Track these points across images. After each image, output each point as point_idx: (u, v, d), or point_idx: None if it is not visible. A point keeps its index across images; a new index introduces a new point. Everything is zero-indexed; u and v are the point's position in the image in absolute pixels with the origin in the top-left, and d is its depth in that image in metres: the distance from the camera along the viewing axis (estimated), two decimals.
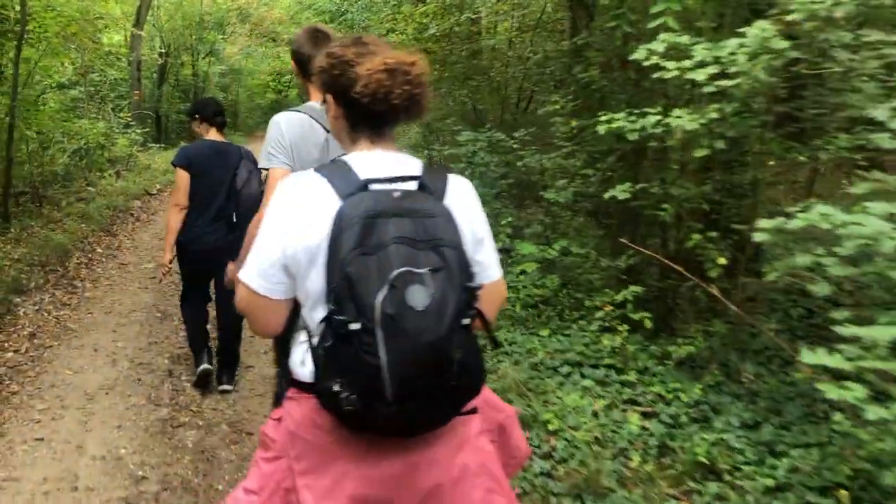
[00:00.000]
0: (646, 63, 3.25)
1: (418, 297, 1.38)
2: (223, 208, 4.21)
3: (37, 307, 6.22)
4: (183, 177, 4.21)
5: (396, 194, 1.50)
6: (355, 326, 1.38)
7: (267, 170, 2.63)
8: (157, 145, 18.53)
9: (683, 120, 3.14)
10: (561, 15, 8.66)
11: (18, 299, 6.33)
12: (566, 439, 3.46)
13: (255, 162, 4.25)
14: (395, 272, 1.39)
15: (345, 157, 1.64)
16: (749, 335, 4.09)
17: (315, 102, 2.64)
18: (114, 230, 9.98)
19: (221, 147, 4.31)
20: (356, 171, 1.56)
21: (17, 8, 9.11)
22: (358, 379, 1.39)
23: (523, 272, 4.80)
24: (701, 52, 3.03)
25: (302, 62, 2.70)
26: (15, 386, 4.61)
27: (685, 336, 4.07)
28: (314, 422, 1.55)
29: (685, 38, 3.15)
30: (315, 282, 1.51)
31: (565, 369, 4.18)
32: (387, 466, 1.51)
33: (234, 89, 30.79)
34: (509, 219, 5.42)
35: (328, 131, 2.52)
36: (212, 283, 4.56)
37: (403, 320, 1.37)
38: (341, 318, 1.39)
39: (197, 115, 4.43)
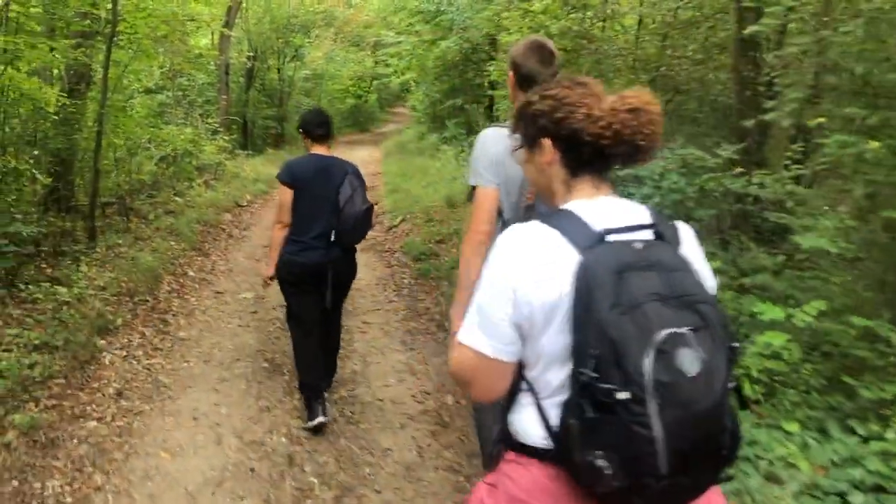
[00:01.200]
0: None
1: (689, 361, 1.29)
2: (325, 226, 4.02)
3: (124, 352, 5.24)
4: (286, 194, 4.07)
5: (638, 246, 1.41)
6: (623, 396, 1.27)
7: (474, 187, 2.58)
8: (245, 152, 17.81)
9: None
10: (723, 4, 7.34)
11: (104, 341, 5.37)
12: None
13: (360, 178, 4.18)
14: (662, 334, 1.29)
15: (569, 206, 1.52)
16: None
17: None
18: (205, 248, 9.06)
19: (325, 162, 4.13)
20: (587, 221, 1.45)
21: (109, 6, 8.32)
22: (627, 452, 1.29)
23: (768, 345, 3.51)
24: None
25: (525, 77, 2.61)
26: (98, 477, 3.57)
27: None
28: (549, 490, 1.44)
29: None
30: (553, 342, 1.42)
31: (858, 500, 2.90)
32: None
33: (316, 94, 30.16)
34: (718, 263, 4.17)
35: None
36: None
37: (677, 388, 1.28)
38: (606, 386, 1.28)
39: (301, 129, 4.28)
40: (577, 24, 8.69)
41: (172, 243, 8.76)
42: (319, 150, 4.18)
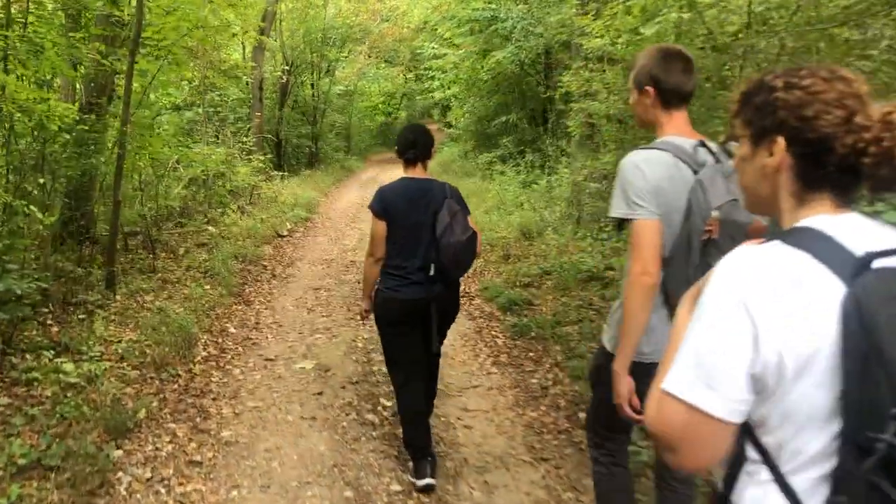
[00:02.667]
0: None
1: None
2: (425, 258, 3.59)
3: (149, 472, 3.70)
4: (378, 225, 3.63)
5: None
6: None
7: (625, 220, 2.24)
8: (280, 174, 16.39)
9: None
10: None
11: (120, 451, 3.84)
12: None
13: (461, 202, 3.71)
14: None
15: (811, 224, 1.22)
16: None
17: (674, 137, 2.31)
18: (246, 294, 7.56)
19: (421, 186, 3.65)
20: (842, 243, 1.17)
21: (133, 8, 6.92)
22: None
23: None
24: None
25: (672, 92, 2.34)
26: None
27: None
28: None
29: None
30: (809, 397, 1.12)
31: None
32: None
33: (347, 111, 28.92)
34: None
35: (696, 172, 2.23)
36: None
37: None
38: None
39: (396, 150, 3.81)
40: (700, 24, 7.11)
41: (207, 287, 7.27)
42: (414, 172, 3.71)
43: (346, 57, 25.22)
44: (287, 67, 18.99)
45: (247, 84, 17.61)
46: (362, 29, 26.00)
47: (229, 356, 5.59)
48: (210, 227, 10.41)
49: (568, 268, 7.59)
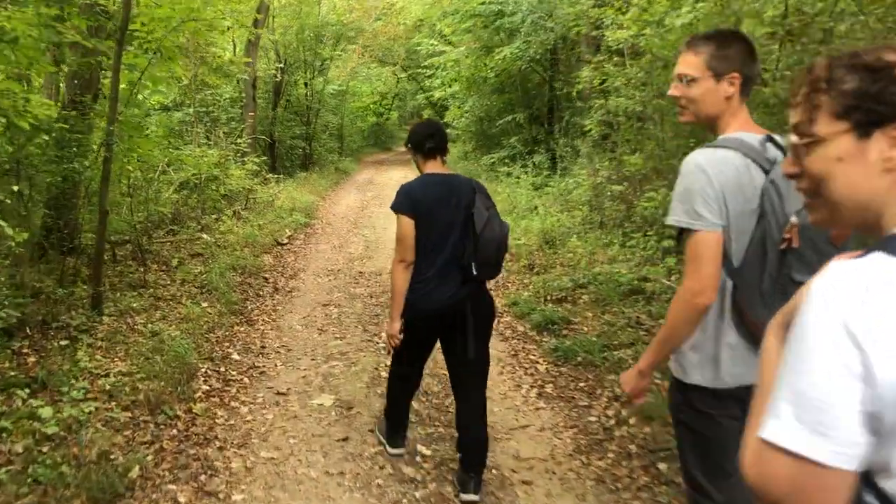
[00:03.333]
0: None
1: None
2: (457, 256, 3.32)
3: None
4: (408, 225, 3.32)
5: None
6: None
7: (684, 232, 2.00)
8: (275, 176, 15.61)
9: None
10: None
11: None
12: None
13: (488, 196, 3.44)
14: None
15: None
16: None
17: (742, 133, 2.06)
18: (248, 311, 6.80)
19: (447, 181, 3.40)
20: None
21: None
22: None
23: None
24: None
25: (748, 80, 2.11)
26: None
27: None
28: None
29: None
30: None
31: None
32: None
33: (340, 111, 28.19)
34: None
35: (766, 171, 1.99)
36: None
37: None
38: None
39: (409, 145, 3.54)
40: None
41: (205, 305, 6.52)
42: (434, 167, 3.48)
43: (339, 55, 24.43)
44: (281, 65, 18.18)
45: (238, 83, 16.85)
46: (356, 27, 25.25)
47: (234, 389, 4.84)
48: (204, 235, 9.66)
49: (603, 280, 6.89)
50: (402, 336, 3.44)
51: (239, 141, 13.85)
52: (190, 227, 9.96)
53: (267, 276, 8.32)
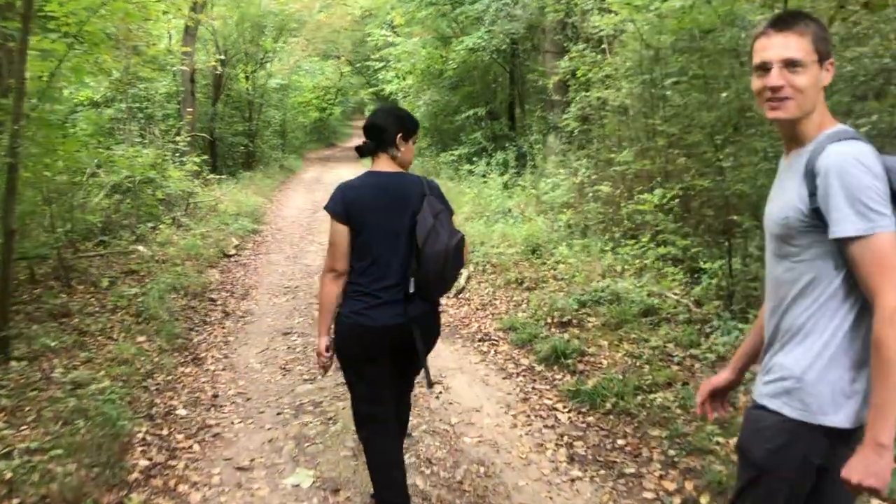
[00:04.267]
0: None
1: None
2: (401, 271, 2.82)
3: None
4: (338, 231, 2.82)
5: None
6: None
7: (853, 238, 1.69)
8: (217, 177, 14.34)
9: None
10: None
11: None
12: None
13: (443, 199, 2.93)
14: None
15: None
16: None
17: (843, 127, 1.86)
18: (195, 345, 5.70)
19: (391, 181, 2.86)
20: None
21: None
22: None
23: None
24: None
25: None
26: None
27: None
28: None
29: None
30: None
31: None
32: None
33: (282, 107, 26.87)
34: None
35: None
36: None
37: None
38: None
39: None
40: None
41: (142, 340, 5.40)
42: (379, 165, 2.91)
43: (282, 47, 23.13)
44: (221, 57, 16.86)
45: (175, 76, 15.52)
46: (298, 18, 23.98)
47: (182, 464, 3.75)
48: (140, 248, 8.47)
49: (609, 297, 5.97)
50: (329, 354, 2.93)
51: (177, 139, 12.54)
52: (123, 238, 8.76)
53: (214, 296, 7.19)
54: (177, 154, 12.16)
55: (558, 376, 4.88)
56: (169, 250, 8.32)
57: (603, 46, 9.18)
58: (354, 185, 2.86)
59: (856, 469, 1.64)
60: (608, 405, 4.31)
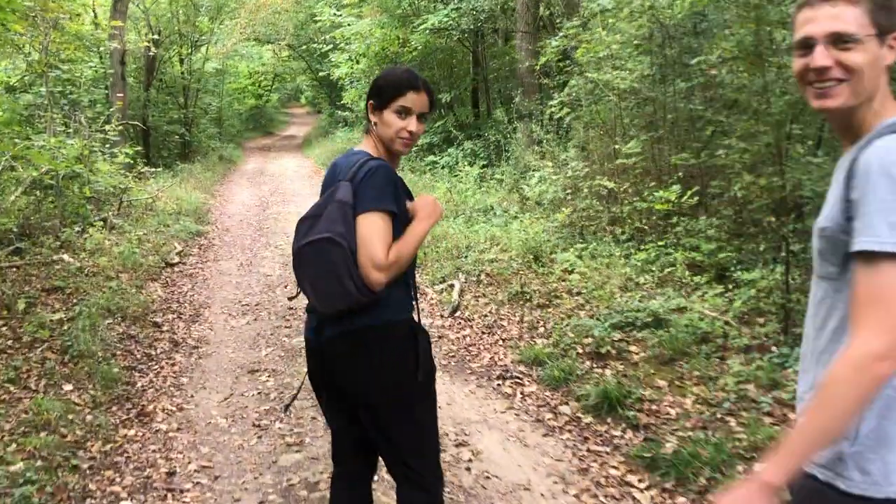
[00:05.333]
0: None
1: None
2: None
3: None
4: None
5: None
6: None
7: (870, 254, 1.38)
8: (152, 170, 12.89)
9: None
10: None
11: None
12: None
13: (364, 190, 2.06)
14: None
15: None
16: None
17: None
18: (138, 393, 4.46)
19: (337, 163, 2.28)
20: None
21: None
22: None
23: None
24: None
25: None
26: None
27: None
28: None
29: None
30: None
31: None
32: None
33: (218, 93, 25.34)
34: None
35: None
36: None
37: None
38: None
39: None
40: None
41: (69, 390, 4.16)
42: (364, 140, 2.30)
43: (220, 28, 21.59)
44: (155, 36, 15.30)
45: (102, 58, 13.98)
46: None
47: None
48: (65, 257, 7.12)
49: (646, 319, 4.96)
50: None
51: (106, 128, 11.08)
52: (45, 245, 7.38)
53: (159, 318, 5.93)
54: (106, 145, 10.72)
55: (616, 432, 3.82)
56: (100, 260, 7.00)
57: (596, 23, 8.16)
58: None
59: (725, 497, 1.42)
60: (702, 480, 3.27)
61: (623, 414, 3.93)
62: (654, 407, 3.98)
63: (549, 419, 4.06)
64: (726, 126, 5.56)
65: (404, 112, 2.15)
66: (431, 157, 12.60)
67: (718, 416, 3.78)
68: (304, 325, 2.30)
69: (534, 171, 9.17)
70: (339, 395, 2.21)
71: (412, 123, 2.16)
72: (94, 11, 13.95)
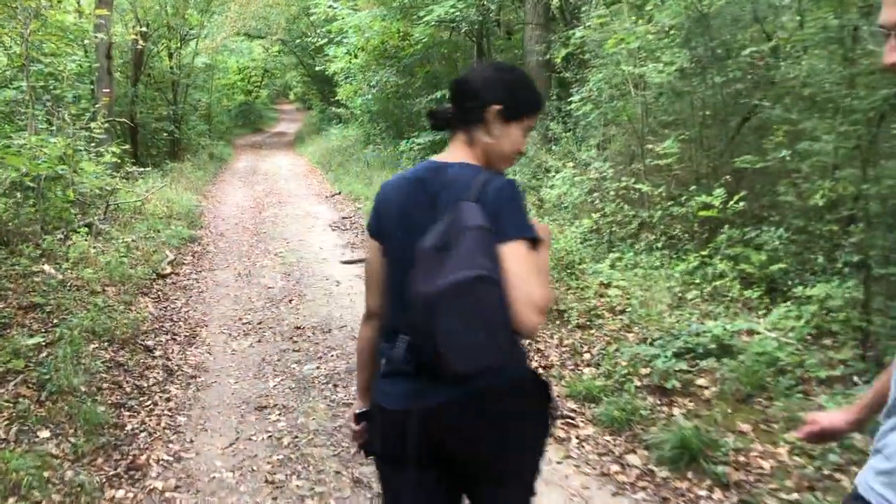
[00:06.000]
0: None
1: None
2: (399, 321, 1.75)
3: None
4: (370, 251, 1.91)
5: None
6: None
7: None
8: (140, 169, 12.18)
9: None
10: None
11: None
12: None
13: (497, 215, 1.64)
14: None
15: None
16: None
17: None
18: (128, 438, 3.80)
19: (433, 176, 1.76)
20: None
21: None
22: None
23: None
24: None
25: None
26: None
27: None
28: None
29: None
30: None
31: None
32: None
33: (207, 89, 24.66)
34: None
35: None
36: None
37: None
38: None
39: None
40: None
41: (45, 437, 3.50)
42: (453, 149, 1.81)
43: (210, 21, 20.85)
44: (143, 29, 14.56)
45: (87, 52, 13.26)
46: None
47: None
48: (46, 268, 6.44)
49: (711, 345, 4.34)
50: (360, 428, 1.92)
51: (92, 125, 10.38)
52: (24, 254, 6.68)
53: (150, 341, 5.27)
54: (92, 143, 10.04)
55: (702, 491, 3.20)
56: (85, 272, 6.32)
57: (622, 12, 7.53)
58: (390, 181, 1.91)
59: None
60: None
61: (707, 468, 3.30)
62: (741, 458, 3.36)
63: (616, 472, 3.43)
64: (797, 124, 4.94)
65: (529, 131, 1.85)
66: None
67: (825, 472, 3.16)
68: (385, 387, 1.79)
69: (550, 171, 8.54)
70: (449, 468, 1.77)
71: (525, 144, 1.87)
72: (78, 1, 13.25)
